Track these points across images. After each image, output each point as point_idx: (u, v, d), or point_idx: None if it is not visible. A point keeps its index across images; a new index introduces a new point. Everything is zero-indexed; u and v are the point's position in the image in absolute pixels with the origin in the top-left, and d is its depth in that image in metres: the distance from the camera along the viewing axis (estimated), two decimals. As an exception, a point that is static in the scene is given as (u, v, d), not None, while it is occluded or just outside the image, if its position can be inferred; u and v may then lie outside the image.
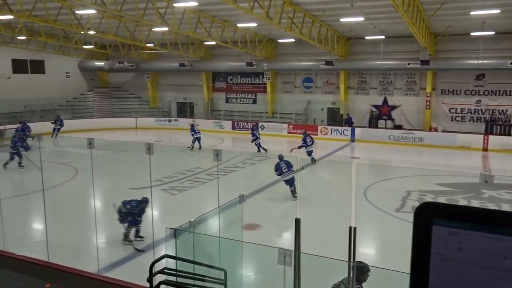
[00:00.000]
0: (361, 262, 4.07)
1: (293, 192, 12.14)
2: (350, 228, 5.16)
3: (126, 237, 9.08)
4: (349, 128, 24.88)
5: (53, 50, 29.16)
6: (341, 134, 24.91)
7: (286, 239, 9.27)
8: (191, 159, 20.19)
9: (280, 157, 12.39)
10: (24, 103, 27.41)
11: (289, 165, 12.12)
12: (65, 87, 31.21)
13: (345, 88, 26.49)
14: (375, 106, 26.12)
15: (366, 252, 8.76)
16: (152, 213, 8.89)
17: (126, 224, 9.08)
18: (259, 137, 20.03)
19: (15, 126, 20.78)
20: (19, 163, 16.14)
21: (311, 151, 16.90)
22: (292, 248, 4.98)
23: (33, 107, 27.90)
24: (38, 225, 9.68)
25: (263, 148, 19.79)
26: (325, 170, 17.82)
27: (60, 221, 9.75)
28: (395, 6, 13.70)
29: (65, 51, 29.97)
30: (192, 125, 21.87)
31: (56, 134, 23.77)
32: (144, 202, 9.02)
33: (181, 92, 32.14)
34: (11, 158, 16.06)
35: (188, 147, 20.75)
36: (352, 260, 4.52)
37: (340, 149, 22.41)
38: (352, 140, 24.40)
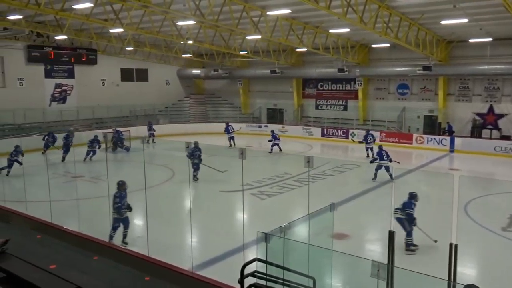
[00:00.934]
0: (473, 285, 3.60)
1: (391, 176, 14.69)
2: (451, 245, 4.81)
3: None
4: (448, 138, 23.21)
5: (156, 60, 31.75)
6: (438, 143, 23.34)
7: (377, 252, 8.92)
8: (279, 164, 20.40)
9: (380, 147, 15.43)
10: (130, 108, 30.06)
11: (388, 155, 14.94)
12: (165, 94, 33.69)
13: (444, 95, 24.83)
14: (478, 114, 24.09)
15: (466, 272, 8.08)
16: (244, 216, 9.10)
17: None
18: (278, 139, 21.96)
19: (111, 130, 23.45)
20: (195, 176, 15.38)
21: (371, 148, 19.51)
22: (385, 261, 4.77)
23: (137, 112, 30.45)
24: (139, 221, 10.42)
25: (279, 149, 21.61)
26: (422, 181, 16.82)
27: (158, 218, 10.42)
28: (505, 5, 12.54)
29: (166, 60, 32.46)
30: (227, 125, 23.90)
31: (153, 140, 25.26)
32: None
33: (272, 99, 32.68)
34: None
35: (229, 146, 22.92)
36: (452, 279, 4.20)
37: (438, 159, 21.00)
38: (451, 150, 22.72)
